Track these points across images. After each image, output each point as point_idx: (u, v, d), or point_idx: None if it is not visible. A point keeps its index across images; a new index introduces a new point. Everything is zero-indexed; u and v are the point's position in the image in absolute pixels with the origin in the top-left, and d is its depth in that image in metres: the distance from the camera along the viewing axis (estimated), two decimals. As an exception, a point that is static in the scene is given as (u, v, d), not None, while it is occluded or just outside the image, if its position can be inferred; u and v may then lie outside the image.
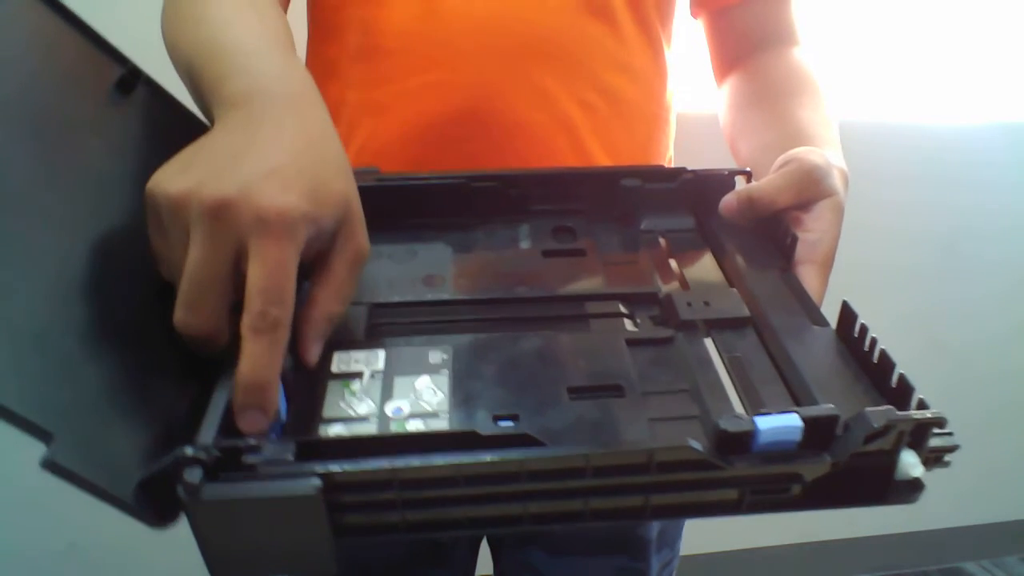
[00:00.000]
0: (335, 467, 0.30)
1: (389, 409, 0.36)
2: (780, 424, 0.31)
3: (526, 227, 0.51)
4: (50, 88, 0.37)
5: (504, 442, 0.31)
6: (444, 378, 0.38)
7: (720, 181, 0.51)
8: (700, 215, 0.51)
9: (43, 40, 0.37)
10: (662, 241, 0.50)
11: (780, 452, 0.32)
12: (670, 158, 0.67)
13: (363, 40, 0.57)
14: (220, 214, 0.32)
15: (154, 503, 0.29)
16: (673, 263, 0.48)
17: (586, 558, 0.66)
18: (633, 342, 0.40)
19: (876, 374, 0.36)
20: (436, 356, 0.39)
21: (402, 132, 0.57)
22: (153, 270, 0.36)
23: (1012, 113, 1.26)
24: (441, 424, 0.35)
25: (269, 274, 0.32)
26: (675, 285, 0.46)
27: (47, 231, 0.33)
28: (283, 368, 0.33)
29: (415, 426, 0.35)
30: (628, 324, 0.42)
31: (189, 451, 0.29)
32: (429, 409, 0.36)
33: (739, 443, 0.31)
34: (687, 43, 0.67)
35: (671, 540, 0.69)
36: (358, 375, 0.38)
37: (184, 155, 0.36)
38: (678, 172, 0.52)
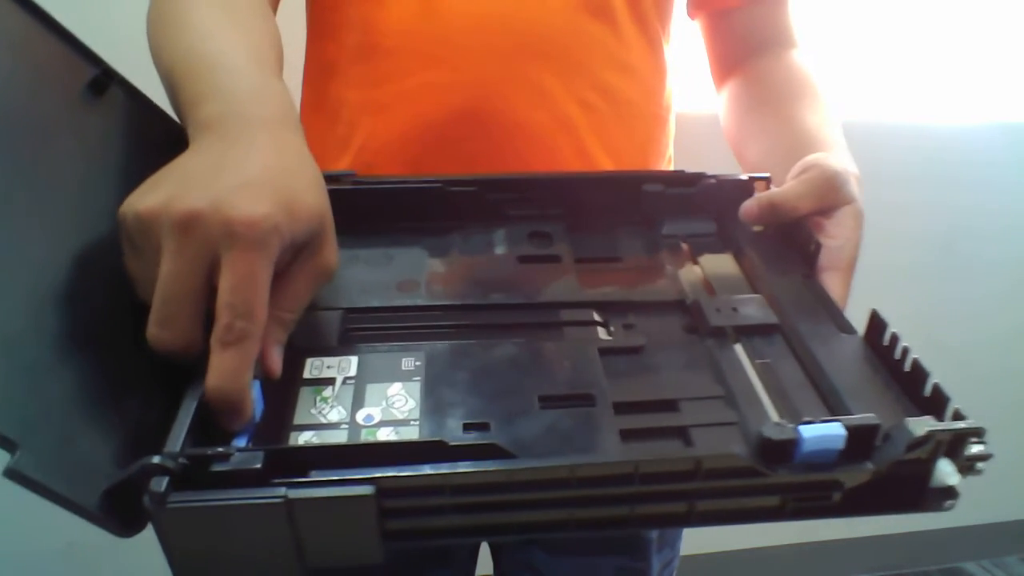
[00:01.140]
0: (306, 479, 0.29)
1: (360, 416, 0.36)
2: (824, 433, 0.31)
3: (502, 232, 0.50)
4: (21, 89, 0.36)
5: (471, 452, 0.31)
6: (416, 385, 0.38)
7: (740, 186, 0.51)
8: (721, 220, 0.51)
9: (14, 40, 0.37)
10: (684, 246, 0.50)
11: (821, 460, 0.32)
12: (670, 157, 0.67)
13: (362, 39, 0.57)
14: (190, 227, 0.32)
15: (120, 512, 0.29)
16: (697, 268, 0.48)
17: (586, 558, 0.66)
18: (606, 351, 0.41)
19: (907, 382, 0.36)
20: (409, 363, 0.39)
21: (402, 131, 0.57)
22: (129, 291, 0.36)
23: (1012, 113, 1.26)
24: (412, 432, 0.35)
25: (238, 286, 0.32)
26: (700, 291, 0.46)
27: (17, 235, 0.33)
28: (258, 376, 0.33)
29: (386, 434, 0.35)
30: (602, 332, 0.42)
31: (155, 460, 0.29)
32: (400, 417, 0.36)
33: (783, 451, 0.32)
34: (687, 43, 0.67)
35: (671, 540, 0.69)
36: (330, 382, 0.38)
37: (155, 176, 0.35)
38: (698, 177, 0.52)
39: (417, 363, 0.39)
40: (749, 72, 0.64)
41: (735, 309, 0.43)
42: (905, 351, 0.37)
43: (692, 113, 0.82)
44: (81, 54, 0.39)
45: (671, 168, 0.67)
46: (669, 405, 0.38)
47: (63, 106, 0.38)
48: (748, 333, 0.42)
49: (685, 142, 0.69)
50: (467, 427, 0.35)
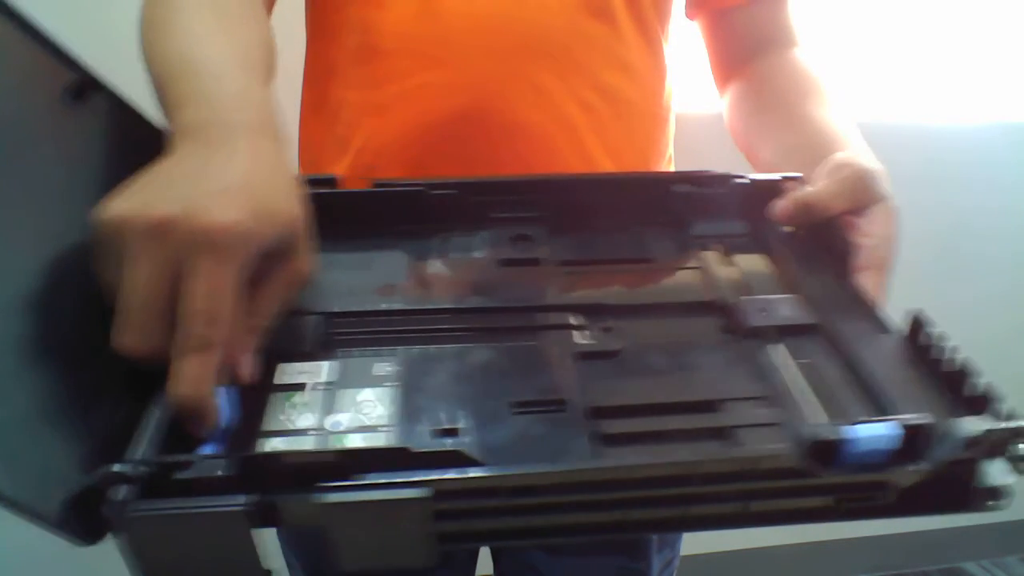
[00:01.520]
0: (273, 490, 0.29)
1: (330, 423, 0.35)
2: (879, 432, 0.31)
3: (485, 235, 0.50)
4: None
5: (437, 459, 0.31)
6: (388, 391, 0.37)
7: (771, 187, 0.51)
8: (752, 220, 0.51)
9: None
10: (717, 247, 0.50)
11: (874, 460, 0.32)
12: (670, 157, 0.67)
13: (362, 40, 0.57)
14: (158, 233, 0.32)
15: (81, 521, 0.29)
16: (732, 269, 0.48)
17: (587, 558, 0.66)
18: (582, 355, 0.40)
19: (951, 381, 0.36)
20: (382, 368, 0.39)
21: (402, 132, 0.56)
22: (105, 298, 0.35)
23: (1012, 113, 1.26)
24: (380, 439, 0.35)
25: (205, 294, 0.32)
26: (736, 291, 0.45)
27: None
28: (229, 377, 0.33)
29: (355, 440, 0.34)
30: (578, 336, 0.42)
31: (116, 467, 0.28)
32: (370, 423, 0.35)
33: (836, 451, 0.31)
34: (687, 43, 0.67)
35: (671, 540, 0.69)
36: (302, 387, 0.37)
37: (130, 182, 0.35)
38: (728, 177, 0.51)
39: (390, 368, 0.39)
40: (753, 72, 0.64)
41: (773, 309, 0.43)
42: (951, 350, 0.37)
43: (692, 113, 0.82)
44: (61, 59, 0.39)
45: (671, 168, 0.67)
46: (711, 406, 0.37)
47: (42, 112, 0.38)
48: (787, 333, 0.41)
49: (685, 142, 0.69)
50: (437, 433, 0.35)
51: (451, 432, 0.35)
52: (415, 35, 0.55)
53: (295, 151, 0.65)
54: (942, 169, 1.26)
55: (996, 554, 1.57)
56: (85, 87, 0.40)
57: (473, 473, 0.31)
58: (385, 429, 0.35)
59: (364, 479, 0.30)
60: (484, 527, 0.33)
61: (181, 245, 0.32)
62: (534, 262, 0.48)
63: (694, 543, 1.02)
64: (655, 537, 0.65)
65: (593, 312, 0.43)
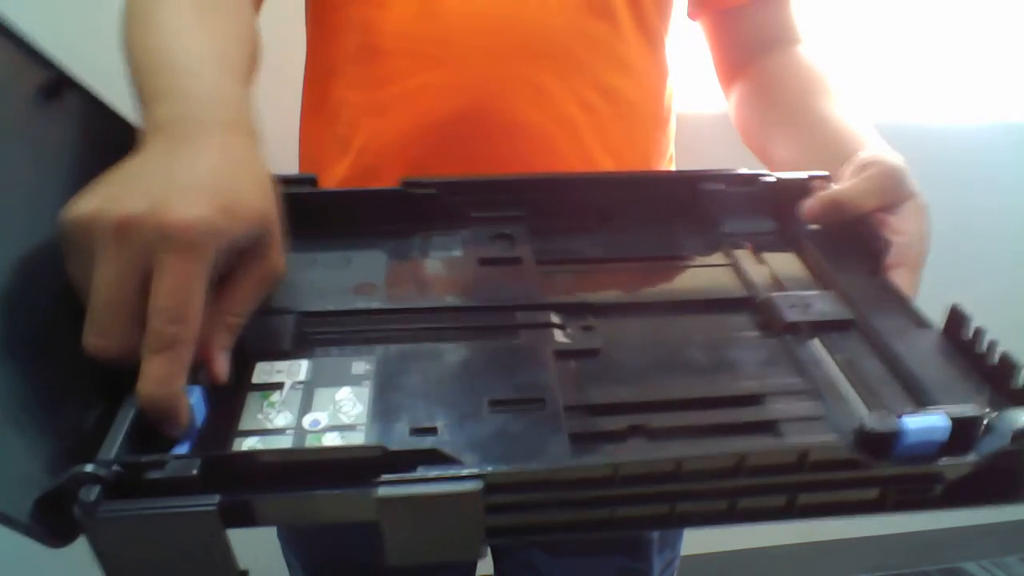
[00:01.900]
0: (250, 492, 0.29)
1: (307, 422, 0.35)
2: (928, 424, 0.31)
3: (465, 234, 0.50)
4: None
5: (413, 457, 0.31)
6: (366, 389, 0.37)
7: (799, 185, 0.51)
8: (781, 219, 0.51)
9: None
10: (747, 245, 0.50)
11: (922, 452, 0.32)
12: (671, 157, 0.67)
13: (362, 40, 0.57)
14: (124, 231, 0.32)
15: (52, 522, 0.28)
16: (764, 267, 0.48)
17: (587, 558, 0.66)
18: (561, 354, 0.40)
19: (993, 375, 0.36)
20: (360, 367, 0.38)
21: (402, 133, 0.56)
22: (78, 297, 0.35)
23: (1012, 113, 1.26)
24: (358, 437, 0.34)
25: (171, 291, 0.31)
26: (768, 288, 0.45)
27: None
28: (203, 376, 0.33)
29: (332, 439, 0.34)
30: (559, 335, 0.42)
31: (88, 468, 0.28)
32: (347, 421, 0.35)
33: (885, 443, 0.31)
34: (687, 43, 0.67)
35: (672, 540, 0.69)
36: (278, 386, 0.37)
37: (99, 180, 0.35)
38: (756, 177, 0.52)
39: (368, 367, 0.38)
40: (760, 71, 0.64)
41: (808, 305, 0.43)
42: (992, 344, 0.37)
43: (692, 113, 0.81)
44: (33, 58, 0.38)
45: (672, 169, 0.67)
46: (753, 400, 0.37)
47: (14, 110, 0.37)
48: (823, 329, 0.41)
49: (685, 142, 0.69)
50: (415, 431, 0.35)
51: (430, 430, 0.35)
52: (415, 35, 0.55)
53: (295, 151, 0.65)
54: (942, 169, 1.25)
55: (996, 554, 1.57)
56: (59, 86, 0.39)
57: (528, 467, 0.31)
58: (362, 428, 0.35)
59: (413, 474, 0.30)
60: (534, 520, 0.32)
61: (147, 242, 0.31)
62: (516, 261, 0.48)
63: (694, 543, 1.01)
64: (656, 537, 0.65)
65: (574, 311, 0.43)
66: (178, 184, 0.33)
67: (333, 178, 0.59)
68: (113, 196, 0.33)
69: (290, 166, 0.65)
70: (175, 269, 0.31)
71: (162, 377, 0.31)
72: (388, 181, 0.55)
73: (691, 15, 0.67)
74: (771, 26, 0.64)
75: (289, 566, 0.68)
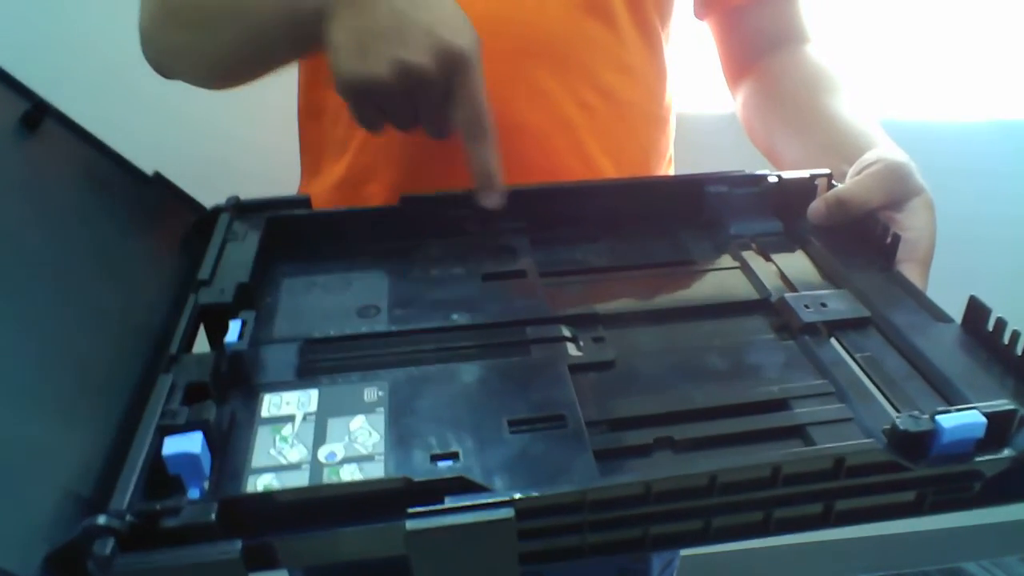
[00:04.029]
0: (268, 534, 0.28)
1: (322, 455, 0.34)
2: (964, 422, 0.31)
3: (465, 248, 0.49)
4: None
5: (440, 487, 0.29)
6: (380, 417, 0.36)
7: (803, 184, 0.51)
8: (786, 218, 0.51)
9: None
10: (754, 246, 0.50)
11: (959, 450, 0.31)
12: (670, 158, 0.67)
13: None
14: (443, 62, 0.43)
15: None
16: (773, 268, 0.47)
17: (587, 558, 0.65)
18: (576, 368, 0.39)
19: (1019, 367, 0.36)
20: (371, 393, 0.37)
21: (400, 133, 0.56)
22: (67, 335, 0.33)
23: (1012, 112, 1.25)
24: (377, 468, 0.33)
25: (473, 97, 0.44)
26: (782, 288, 0.45)
27: None
28: (208, 420, 0.32)
29: (350, 471, 0.33)
30: (571, 348, 0.41)
31: (100, 520, 0.27)
32: (364, 452, 0.34)
33: (921, 443, 0.31)
34: (687, 43, 0.67)
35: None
36: (289, 419, 0.36)
37: (344, 40, 0.44)
38: (760, 177, 0.51)
39: (380, 393, 0.37)
40: (767, 69, 0.63)
41: (824, 305, 0.42)
42: (1015, 335, 0.36)
43: (692, 113, 0.81)
44: (12, 88, 0.38)
45: (671, 170, 0.67)
46: (779, 405, 0.37)
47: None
48: (841, 328, 0.41)
49: (685, 142, 0.69)
50: (435, 458, 0.33)
51: (451, 455, 0.33)
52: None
53: (295, 151, 0.65)
54: (942, 169, 1.25)
55: (996, 554, 1.57)
56: (39, 115, 0.39)
57: (559, 490, 0.30)
58: (381, 458, 0.33)
59: (441, 505, 0.29)
60: (567, 544, 0.32)
61: (448, 69, 0.43)
62: (520, 274, 0.47)
63: (694, 543, 1.02)
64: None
65: (584, 322, 0.43)
66: (441, 22, 0.43)
67: (332, 177, 0.59)
68: (396, 42, 0.42)
69: (290, 166, 0.65)
70: (473, 81, 0.44)
71: (489, 155, 0.45)
72: (386, 180, 0.55)
73: (698, 15, 0.66)
74: (779, 25, 0.64)
75: (289, 568, 0.68)
